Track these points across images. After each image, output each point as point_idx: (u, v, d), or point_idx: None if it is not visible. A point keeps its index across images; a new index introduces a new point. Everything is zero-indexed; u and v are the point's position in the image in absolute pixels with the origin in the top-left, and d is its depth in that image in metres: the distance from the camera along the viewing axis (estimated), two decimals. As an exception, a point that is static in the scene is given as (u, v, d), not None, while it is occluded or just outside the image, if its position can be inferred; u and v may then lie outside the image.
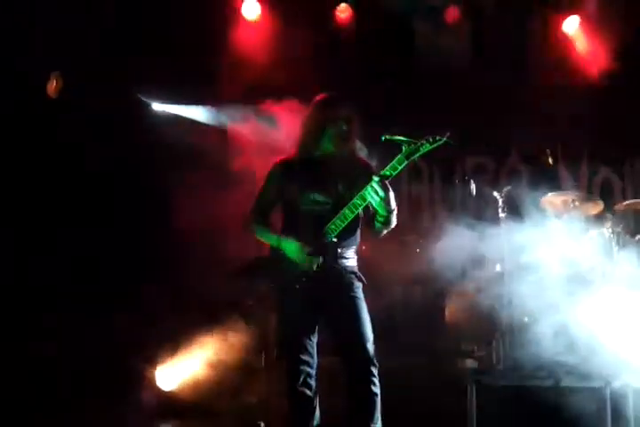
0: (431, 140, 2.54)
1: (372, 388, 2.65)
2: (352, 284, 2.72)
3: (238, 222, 2.96)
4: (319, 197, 2.70)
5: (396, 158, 2.57)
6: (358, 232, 2.79)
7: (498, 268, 4.58)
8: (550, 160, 4.67)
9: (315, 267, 2.61)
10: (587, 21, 5.56)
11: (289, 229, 2.74)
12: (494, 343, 4.33)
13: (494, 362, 4.20)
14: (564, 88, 5.40)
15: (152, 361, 4.07)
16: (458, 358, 4.39)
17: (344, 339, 2.70)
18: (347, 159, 2.74)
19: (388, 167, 2.58)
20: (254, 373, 4.05)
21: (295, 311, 2.70)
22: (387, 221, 2.66)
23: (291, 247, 2.64)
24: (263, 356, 4.05)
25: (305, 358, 2.71)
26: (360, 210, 2.65)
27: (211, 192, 4.66)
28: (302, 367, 2.70)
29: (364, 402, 2.65)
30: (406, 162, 2.57)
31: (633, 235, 4.57)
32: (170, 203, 4.86)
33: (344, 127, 2.69)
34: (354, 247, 2.78)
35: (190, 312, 4.44)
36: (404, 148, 2.56)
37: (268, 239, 2.76)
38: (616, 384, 3.75)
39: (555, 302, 4.42)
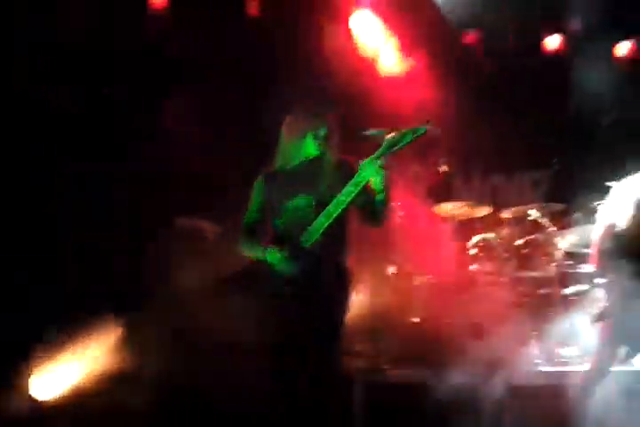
0: (413, 131, 2.61)
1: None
2: (339, 287, 2.76)
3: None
4: (302, 202, 2.73)
5: (379, 150, 2.63)
6: (346, 231, 2.80)
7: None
8: (446, 168, 4.88)
9: (298, 274, 2.65)
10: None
11: (275, 239, 2.77)
12: (382, 342, 4.46)
13: (382, 360, 4.31)
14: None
15: (27, 368, 3.82)
16: (346, 356, 4.47)
17: (319, 343, 2.69)
18: (328, 160, 2.78)
19: (373, 156, 2.64)
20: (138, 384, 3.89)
21: (283, 317, 2.68)
22: (387, 201, 2.72)
23: (274, 257, 2.67)
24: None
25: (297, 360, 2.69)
26: (348, 202, 2.65)
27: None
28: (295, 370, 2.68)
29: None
30: (388, 152, 2.63)
31: (515, 238, 4.86)
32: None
33: (324, 132, 2.75)
34: (343, 246, 2.80)
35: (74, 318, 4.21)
36: (385, 139, 2.63)
37: (256, 253, 2.77)
38: (500, 381, 3.99)
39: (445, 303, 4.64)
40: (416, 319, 4.74)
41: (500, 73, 5.87)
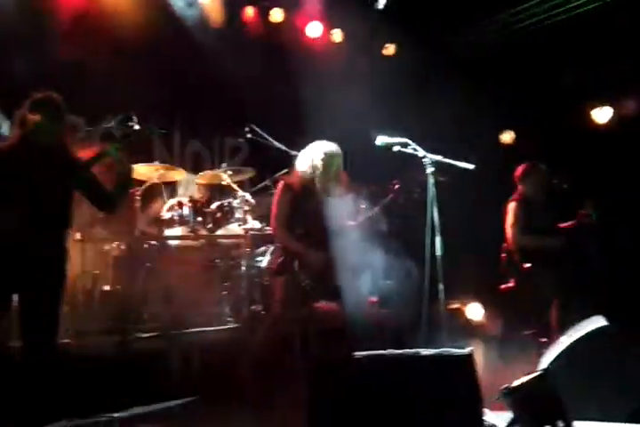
0: (147, 129, 3.42)
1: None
2: (56, 267, 2.98)
3: None
4: (21, 184, 2.89)
5: (117, 139, 3.22)
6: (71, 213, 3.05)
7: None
8: (138, 127, 4.63)
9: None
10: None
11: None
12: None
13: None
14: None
15: None
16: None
17: (33, 322, 2.92)
18: (50, 146, 2.99)
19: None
20: None
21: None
22: (125, 188, 3.16)
23: None
24: None
25: None
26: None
27: None
28: None
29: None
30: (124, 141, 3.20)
31: (208, 202, 4.94)
32: None
33: (47, 120, 2.97)
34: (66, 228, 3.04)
35: None
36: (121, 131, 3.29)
37: None
38: (183, 343, 4.06)
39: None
40: (107, 287, 4.51)
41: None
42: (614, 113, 6.32)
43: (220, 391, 3.80)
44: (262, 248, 4.95)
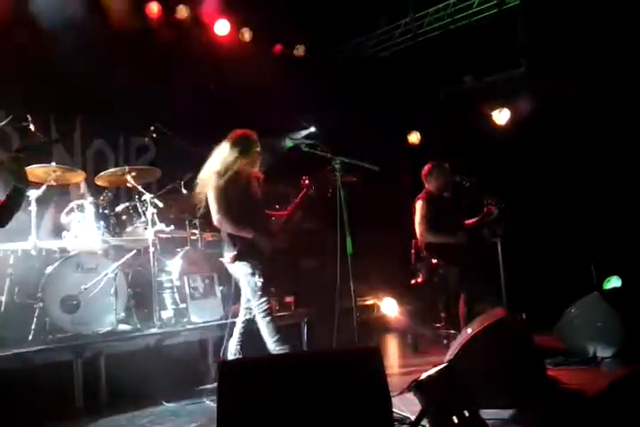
0: (48, 140, 3.40)
1: None
2: None
3: None
4: None
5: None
6: None
7: None
8: (33, 127, 4.34)
9: None
10: None
11: None
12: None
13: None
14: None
15: None
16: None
17: None
18: None
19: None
20: None
21: None
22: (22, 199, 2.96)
23: None
24: None
25: None
26: None
27: None
28: None
29: None
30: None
31: (112, 205, 4.70)
32: None
33: None
34: None
35: None
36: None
37: None
38: (87, 354, 3.85)
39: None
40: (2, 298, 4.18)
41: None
42: (512, 114, 6.66)
43: (130, 402, 3.68)
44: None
